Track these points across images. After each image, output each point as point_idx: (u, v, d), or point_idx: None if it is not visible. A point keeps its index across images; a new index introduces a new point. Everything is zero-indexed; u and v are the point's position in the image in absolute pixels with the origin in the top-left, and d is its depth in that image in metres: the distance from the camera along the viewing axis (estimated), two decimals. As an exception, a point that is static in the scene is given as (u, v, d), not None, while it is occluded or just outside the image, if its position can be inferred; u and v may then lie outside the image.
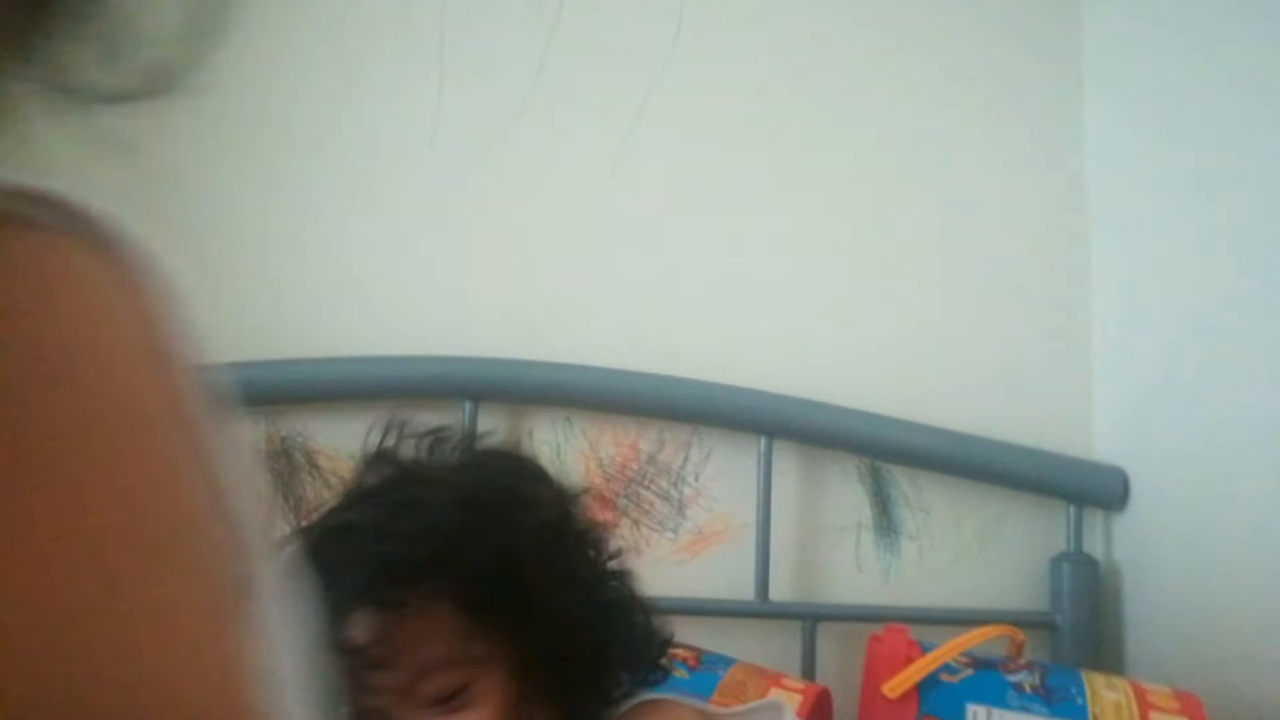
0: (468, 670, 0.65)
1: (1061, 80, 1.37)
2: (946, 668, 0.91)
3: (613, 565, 0.72)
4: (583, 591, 0.69)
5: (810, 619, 1.20)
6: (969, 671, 0.92)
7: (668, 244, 1.29)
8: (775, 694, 0.92)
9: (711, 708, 0.77)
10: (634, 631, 0.71)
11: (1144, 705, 0.89)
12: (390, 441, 0.72)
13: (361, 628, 0.63)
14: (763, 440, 1.22)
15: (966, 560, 1.28)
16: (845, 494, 1.28)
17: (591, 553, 0.71)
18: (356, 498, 0.70)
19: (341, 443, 1.19)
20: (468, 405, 1.16)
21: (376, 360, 1.19)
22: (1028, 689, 0.90)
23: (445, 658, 0.65)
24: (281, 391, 1.17)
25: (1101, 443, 1.30)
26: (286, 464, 1.18)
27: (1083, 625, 1.22)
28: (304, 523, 0.71)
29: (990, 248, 1.34)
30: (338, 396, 1.19)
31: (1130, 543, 1.25)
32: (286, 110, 1.26)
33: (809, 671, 1.17)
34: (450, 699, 0.65)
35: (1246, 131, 1.08)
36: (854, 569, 1.27)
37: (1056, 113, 1.37)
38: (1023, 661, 0.96)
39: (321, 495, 1.18)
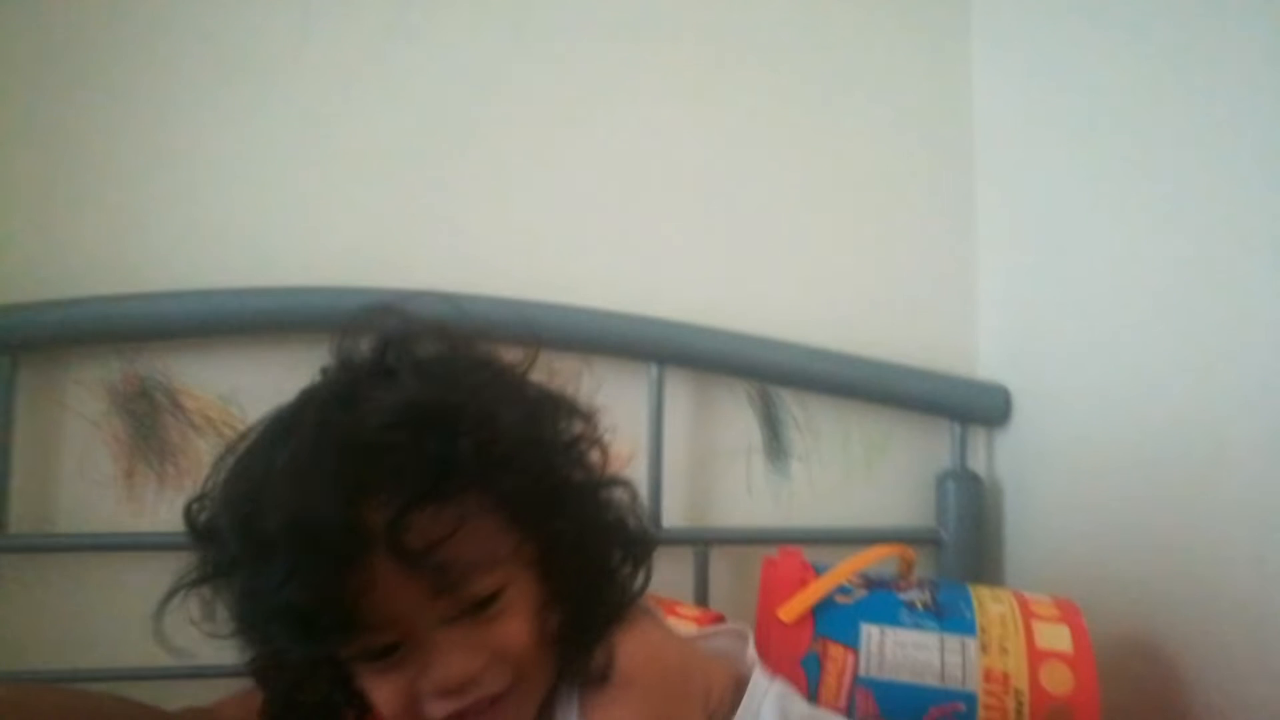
0: (504, 572, 0.61)
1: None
2: (841, 589, 0.92)
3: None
4: (601, 491, 0.67)
5: (702, 544, 1.19)
6: (862, 592, 0.92)
7: (555, 168, 1.24)
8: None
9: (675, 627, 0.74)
10: (634, 533, 0.68)
11: (1027, 614, 0.91)
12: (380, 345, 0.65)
13: (413, 529, 0.56)
14: (654, 367, 1.19)
15: (855, 480, 1.30)
16: (736, 419, 1.28)
17: (599, 452, 0.68)
18: (358, 397, 0.61)
19: (207, 382, 1.12)
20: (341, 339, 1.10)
21: (243, 293, 1.11)
22: (920, 606, 0.91)
23: (489, 557, 0.60)
24: (140, 327, 1.08)
25: (985, 362, 1.32)
26: (147, 405, 1.10)
27: (966, 540, 1.25)
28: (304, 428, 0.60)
29: (875, 170, 1.34)
30: (201, 333, 1.11)
31: (1012, 459, 1.28)
32: (145, 14, 1.14)
33: (702, 597, 1.17)
34: (484, 606, 0.60)
35: (1129, 49, 1.09)
36: (745, 493, 1.27)
37: (943, 27, 1.36)
38: (914, 579, 0.97)
39: (187, 438, 1.11)
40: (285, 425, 0.62)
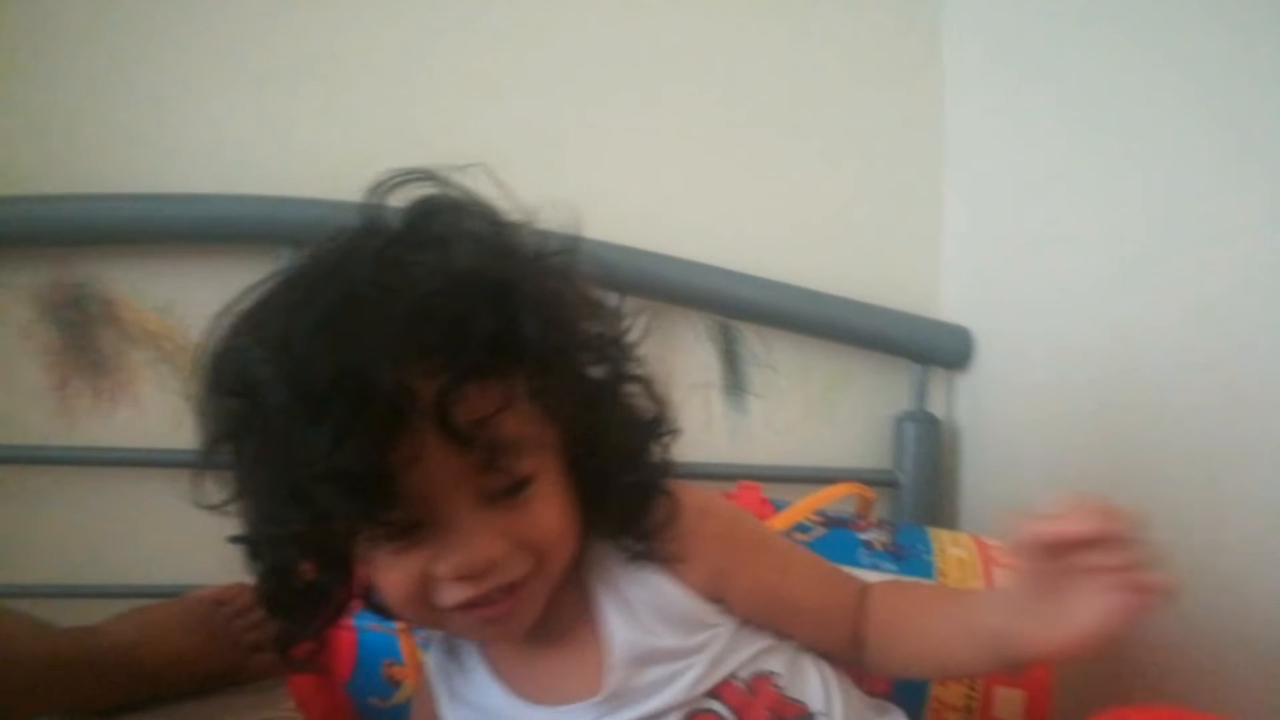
0: (539, 458, 0.58)
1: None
2: (799, 526, 0.91)
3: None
4: (630, 386, 0.63)
5: (659, 478, 1.17)
6: (821, 530, 0.91)
7: (513, 93, 1.19)
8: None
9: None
10: (659, 423, 0.65)
11: (986, 559, 0.90)
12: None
13: (463, 402, 0.52)
14: (613, 299, 1.16)
15: (813, 418, 1.28)
16: (695, 352, 1.25)
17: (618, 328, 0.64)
18: (405, 261, 0.56)
19: (145, 292, 1.06)
20: (285, 250, 1.04)
21: (185, 199, 1.05)
22: (878, 546, 0.90)
23: (528, 440, 0.57)
24: (70, 231, 1.02)
25: (948, 304, 1.31)
26: (80, 315, 1.04)
27: (923, 483, 1.24)
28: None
29: (841, 104, 1.30)
30: (140, 239, 1.05)
31: (972, 402, 1.28)
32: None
33: (657, 531, 1.15)
34: (516, 490, 0.57)
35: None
36: (702, 428, 1.25)
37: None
38: (872, 519, 0.96)
39: (123, 351, 1.05)
40: (321, 280, 0.56)
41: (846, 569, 0.76)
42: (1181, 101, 0.95)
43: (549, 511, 0.59)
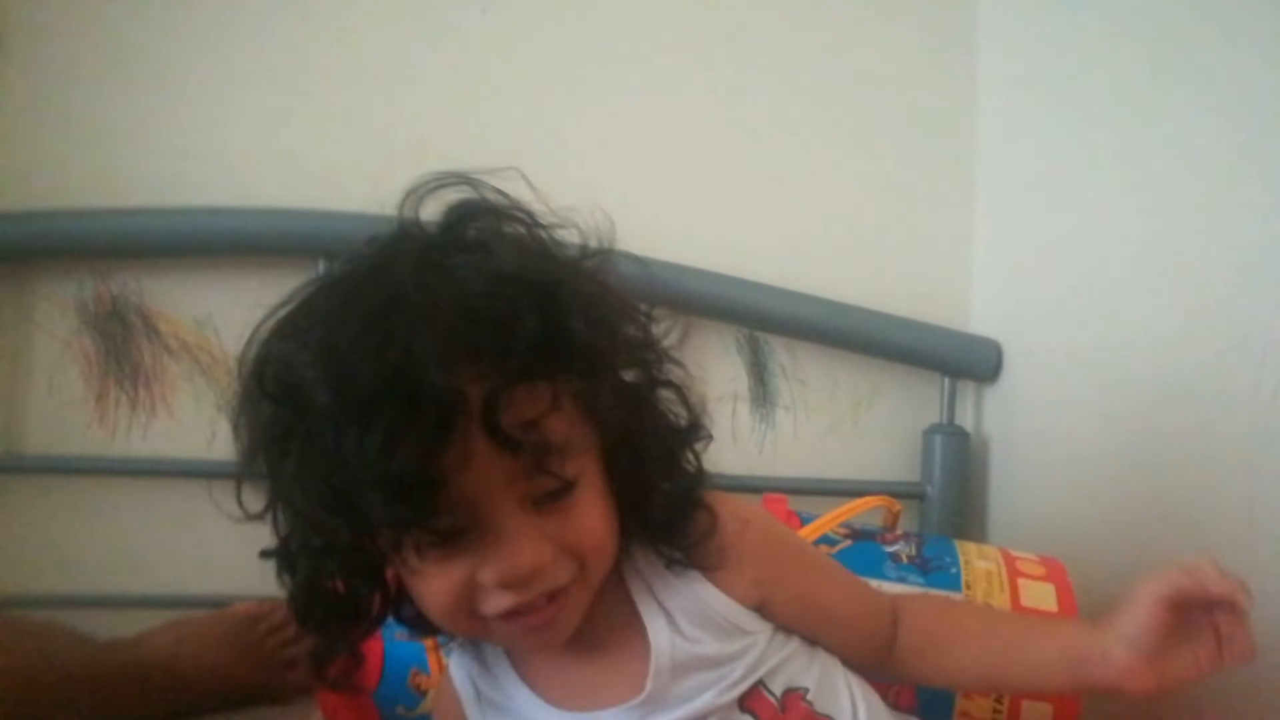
0: (582, 462, 0.57)
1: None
2: (825, 539, 0.91)
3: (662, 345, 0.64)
4: (666, 391, 0.62)
5: (686, 490, 1.17)
6: (848, 543, 0.91)
7: (538, 97, 1.20)
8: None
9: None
10: (694, 429, 0.64)
11: (1013, 572, 0.90)
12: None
13: (511, 405, 0.52)
14: (642, 309, 1.16)
15: (841, 431, 1.28)
16: (723, 364, 1.26)
17: (655, 334, 0.63)
18: (447, 265, 0.55)
19: (183, 304, 1.09)
20: (323, 263, 1.06)
21: (224, 212, 1.07)
22: (904, 559, 0.90)
23: (573, 444, 0.56)
24: (111, 244, 1.05)
25: (978, 316, 1.31)
26: (119, 326, 1.07)
27: (951, 495, 1.24)
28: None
29: (873, 117, 1.30)
30: (176, 253, 1.07)
31: (1002, 414, 1.27)
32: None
33: (684, 543, 1.16)
34: (561, 495, 0.56)
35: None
36: (729, 440, 1.25)
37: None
38: (899, 532, 0.96)
39: (161, 362, 1.07)
40: (362, 285, 0.55)
41: (874, 582, 0.76)
42: (1216, 110, 0.94)
43: (593, 516, 0.58)
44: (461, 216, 0.58)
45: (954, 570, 0.89)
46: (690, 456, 0.64)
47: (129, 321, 1.07)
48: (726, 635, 0.63)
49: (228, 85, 1.12)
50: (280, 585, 0.61)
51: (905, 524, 1.14)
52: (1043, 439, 1.19)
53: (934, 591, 0.86)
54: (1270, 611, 0.86)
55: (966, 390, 1.29)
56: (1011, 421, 1.25)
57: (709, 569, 0.64)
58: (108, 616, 0.94)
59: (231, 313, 1.06)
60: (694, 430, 0.64)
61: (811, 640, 0.68)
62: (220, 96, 1.11)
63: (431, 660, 0.85)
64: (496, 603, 0.56)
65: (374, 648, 0.86)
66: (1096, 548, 1.03)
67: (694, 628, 0.63)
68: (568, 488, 0.56)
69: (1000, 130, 1.29)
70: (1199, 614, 0.62)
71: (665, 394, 0.63)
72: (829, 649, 0.68)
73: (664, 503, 0.62)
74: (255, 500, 0.59)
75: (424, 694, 0.84)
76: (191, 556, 1.07)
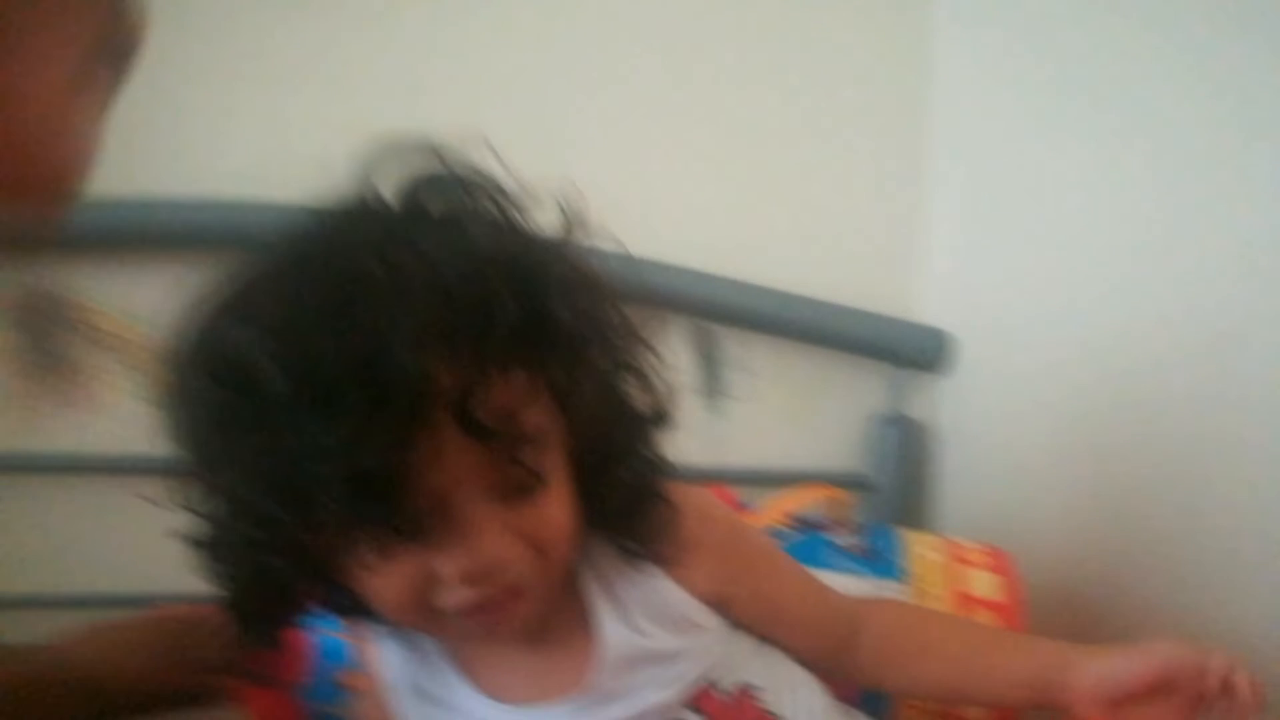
0: (552, 454, 0.55)
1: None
2: (775, 532, 0.90)
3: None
4: (630, 377, 0.60)
5: (633, 482, 1.16)
6: (794, 535, 0.91)
7: (490, 84, 1.18)
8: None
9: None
10: (659, 415, 0.62)
11: (958, 561, 0.90)
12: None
13: (486, 394, 0.49)
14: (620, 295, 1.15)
15: (791, 421, 1.28)
16: (673, 355, 1.24)
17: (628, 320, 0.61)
18: (415, 242, 0.51)
19: (112, 297, 1.05)
20: (261, 255, 1.03)
21: (151, 203, 1.04)
22: (848, 549, 0.90)
23: (545, 434, 0.53)
24: (35, 236, 1.01)
25: (929, 305, 1.30)
26: (43, 320, 1.03)
27: (899, 486, 1.24)
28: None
29: (820, 105, 1.29)
30: (106, 244, 1.04)
31: (952, 403, 1.27)
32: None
33: (631, 535, 1.15)
34: (529, 486, 0.53)
35: None
36: (678, 431, 1.24)
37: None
38: (846, 523, 0.96)
39: (91, 357, 1.04)
40: (321, 262, 0.51)
41: (820, 573, 0.76)
42: (1170, 94, 0.94)
43: (558, 508, 0.56)
44: (427, 188, 0.55)
45: (898, 560, 0.89)
46: (653, 445, 0.62)
47: (54, 316, 1.04)
48: (679, 630, 0.62)
49: (166, 71, 1.08)
50: (206, 577, 0.57)
51: (854, 514, 1.14)
52: (994, 428, 1.19)
53: (887, 588, 0.86)
54: (1227, 599, 0.87)
55: (918, 380, 1.29)
56: (962, 411, 1.25)
57: (667, 563, 0.62)
58: (29, 619, 0.91)
59: (163, 305, 1.03)
60: (659, 420, 0.62)
61: (765, 638, 0.67)
62: (155, 83, 1.07)
63: (362, 656, 0.83)
64: (457, 597, 0.53)
65: (303, 643, 0.84)
66: (1046, 538, 1.04)
67: (646, 621, 0.61)
68: (539, 481, 0.54)
69: (950, 118, 1.28)
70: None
71: (635, 382, 0.60)
72: (783, 648, 0.67)
73: (625, 493, 0.60)
74: (187, 494, 0.55)
75: (355, 691, 0.83)
76: (123, 554, 1.03)
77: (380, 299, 0.48)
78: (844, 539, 0.91)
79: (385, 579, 0.53)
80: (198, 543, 0.56)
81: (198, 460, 0.53)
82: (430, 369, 0.48)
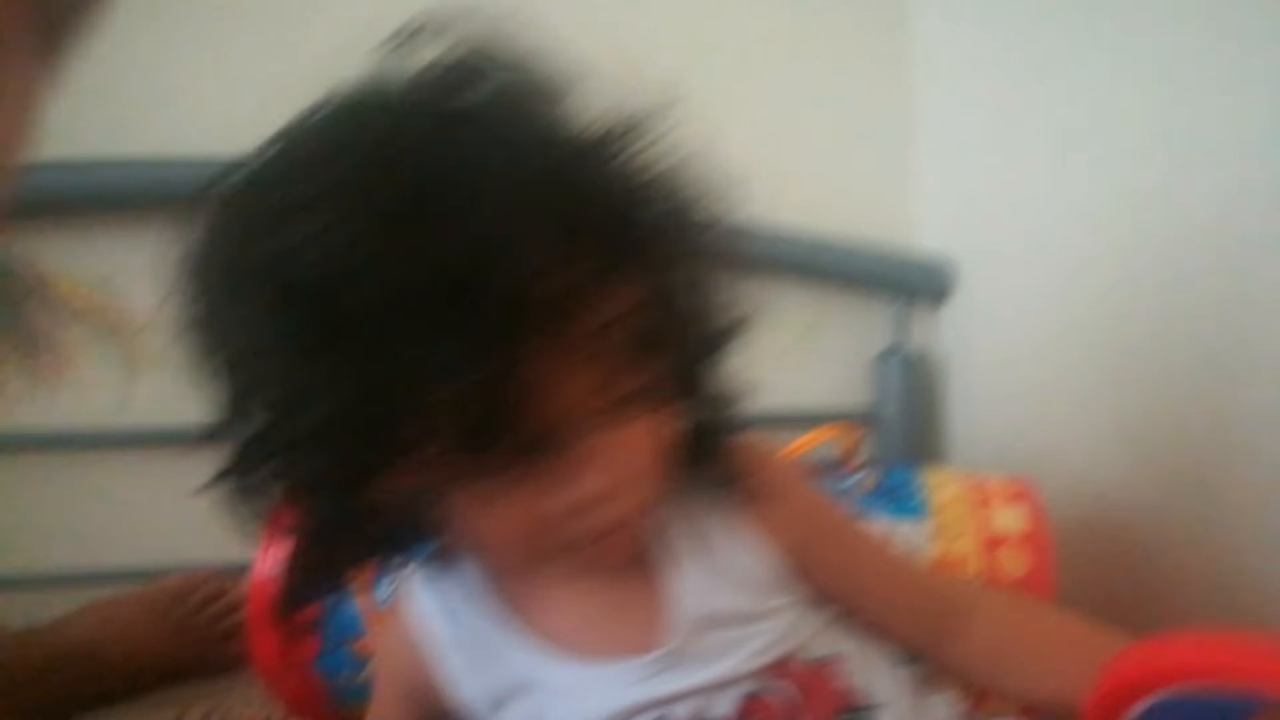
0: (660, 367, 0.48)
1: None
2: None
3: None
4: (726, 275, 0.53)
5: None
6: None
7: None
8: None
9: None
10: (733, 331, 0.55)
11: (981, 496, 0.87)
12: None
13: (599, 305, 0.43)
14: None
15: (792, 360, 1.24)
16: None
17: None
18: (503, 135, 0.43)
19: (80, 265, 1.00)
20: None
21: (117, 163, 0.99)
22: (864, 490, 0.86)
23: (658, 345, 0.47)
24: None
25: (927, 232, 1.26)
26: (7, 292, 0.98)
27: (907, 419, 1.20)
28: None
29: (806, 34, 1.24)
30: (71, 209, 0.99)
31: (957, 331, 1.23)
32: None
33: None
34: (644, 403, 0.48)
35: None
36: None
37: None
38: (859, 461, 0.92)
39: (57, 326, 0.99)
40: (396, 151, 0.42)
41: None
42: (1173, 11, 0.90)
43: (666, 432, 0.50)
44: (490, 70, 0.45)
45: (920, 497, 0.86)
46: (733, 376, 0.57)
47: (18, 287, 0.99)
48: (761, 593, 0.56)
49: (131, 23, 1.02)
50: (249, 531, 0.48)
51: (862, 451, 1.11)
52: (1002, 354, 1.15)
53: (908, 527, 0.82)
54: (1248, 516, 0.83)
55: (920, 310, 1.25)
56: (968, 338, 1.22)
57: (752, 508, 0.56)
58: (22, 599, 0.88)
59: (136, 270, 0.98)
60: (738, 333, 0.56)
61: (852, 615, 0.61)
62: (120, 35, 1.02)
63: (372, 625, 0.80)
64: (570, 530, 0.48)
65: (313, 618, 0.81)
66: (1062, 463, 1.01)
67: (730, 579, 0.56)
68: (655, 396, 0.48)
69: (940, 40, 1.23)
70: None
71: (722, 295, 0.54)
72: (873, 628, 0.61)
73: (716, 422, 0.55)
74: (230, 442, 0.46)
75: (367, 660, 0.80)
76: (109, 530, 1.00)
77: (483, 193, 0.40)
78: (860, 478, 0.87)
79: (495, 517, 0.47)
80: (244, 489, 0.48)
81: (250, 398, 0.45)
82: (550, 270, 0.41)
